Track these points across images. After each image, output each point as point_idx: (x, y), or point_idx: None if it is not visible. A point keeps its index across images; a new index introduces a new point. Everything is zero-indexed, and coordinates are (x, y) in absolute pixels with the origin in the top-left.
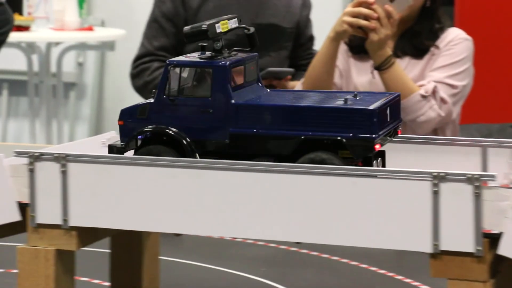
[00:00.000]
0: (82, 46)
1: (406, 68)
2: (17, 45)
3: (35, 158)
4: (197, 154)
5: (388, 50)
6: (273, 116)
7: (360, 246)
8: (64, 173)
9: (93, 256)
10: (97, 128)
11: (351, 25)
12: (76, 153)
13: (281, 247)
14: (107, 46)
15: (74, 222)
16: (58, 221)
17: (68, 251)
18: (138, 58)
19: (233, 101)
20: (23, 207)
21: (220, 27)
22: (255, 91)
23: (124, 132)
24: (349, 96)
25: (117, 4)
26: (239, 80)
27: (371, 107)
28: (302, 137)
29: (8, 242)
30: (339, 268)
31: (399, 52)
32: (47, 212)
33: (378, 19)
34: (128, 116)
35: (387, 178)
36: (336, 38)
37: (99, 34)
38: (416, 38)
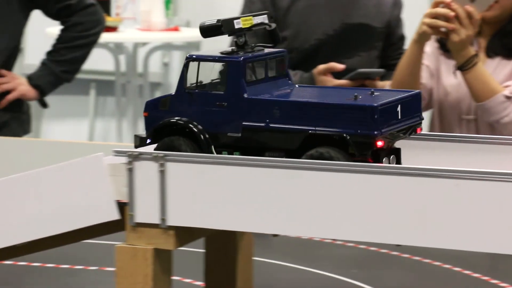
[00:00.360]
0: (167, 47)
1: (496, 68)
2: (105, 45)
3: (134, 157)
4: (212, 148)
5: (471, 50)
6: (282, 111)
7: (455, 249)
8: (162, 173)
9: (181, 255)
10: None
11: (430, 26)
12: (174, 152)
13: (371, 249)
14: (192, 46)
15: (172, 221)
16: (156, 220)
17: (165, 250)
18: None
19: (245, 95)
20: (121, 206)
21: (241, 23)
22: (278, 86)
23: (148, 123)
24: (364, 93)
25: (202, 5)
26: (261, 74)
27: (373, 104)
28: (308, 132)
29: (102, 240)
30: (431, 270)
31: (490, 52)
32: (145, 211)
33: (457, 19)
34: (152, 108)
35: (491, 180)
36: (418, 40)
37: (185, 34)
38: (507, 38)
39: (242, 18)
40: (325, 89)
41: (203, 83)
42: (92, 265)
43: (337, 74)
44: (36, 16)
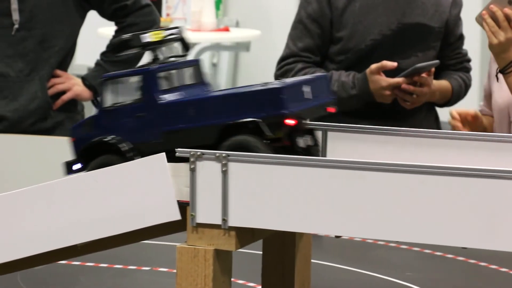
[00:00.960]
0: (217, 47)
1: None
2: None
3: (197, 157)
4: (139, 157)
5: None
6: (196, 109)
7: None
8: (225, 173)
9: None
10: None
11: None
12: (237, 152)
13: (425, 251)
14: (241, 46)
15: (233, 222)
16: (217, 221)
17: (226, 251)
18: (282, 59)
19: (160, 102)
20: (181, 207)
21: (150, 37)
22: (194, 92)
23: (77, 147)
24: (277, 81)
25: (252, 5)
26: (175, 83)
27: (278, 86)
28: (223, 124)
29: (155, 241)
30: (488, 274)
31: None
32: (207, 211)
33: (496, 21)
34: (77, 132)
35: None
36: None
37: (235, 34)
38: None
39: (152, 32)
40: (238, 88)
41: (122, 99)
42: (145, 265)
43: (391, 73)
44: (87, 17)
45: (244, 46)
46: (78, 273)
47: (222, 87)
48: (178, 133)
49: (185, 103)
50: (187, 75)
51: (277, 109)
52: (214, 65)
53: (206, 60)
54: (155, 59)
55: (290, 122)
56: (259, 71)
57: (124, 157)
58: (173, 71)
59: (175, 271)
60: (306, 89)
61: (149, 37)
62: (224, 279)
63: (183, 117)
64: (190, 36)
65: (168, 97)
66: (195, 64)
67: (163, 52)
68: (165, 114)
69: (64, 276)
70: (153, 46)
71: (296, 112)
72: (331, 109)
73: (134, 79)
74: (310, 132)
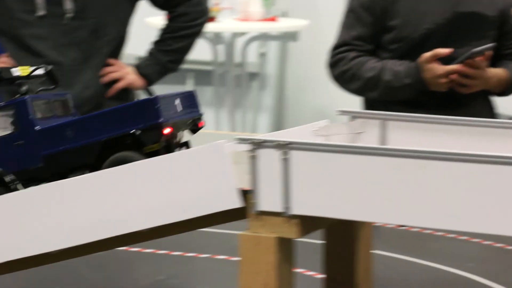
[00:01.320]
0: (264, 37)
1: None
2: (203, 35)
3: (257, 145)
4: (20, 185)
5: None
6: (73, 130)
7: None
8: (286, 161)
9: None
10: (278, 119)
11: None
12: (298, 140)
13: (485, 243)
14: (289, 36)
15: (295, 210)
16: (279, 208)
17: (288, 239)
18: (335, 47)
19: (37, 128)
20: (242, 194)
21: (18, 72)
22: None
23: None
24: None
25: None
26: (47, 113)
27: (151, 97)
28: (102, 140)
29: (213, 229)
30: None
31: None
32: (268, 199)
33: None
34: None
35: None
36: None
37: (283, 24)
38: None
39: (20, 68)
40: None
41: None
42: (204, 252)
43: (444, 62)
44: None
45: (291, 36)
46: (137, 260)
47: (271, 77)
48: (58, 155)
49: (62, 125)
50: (58, 107)
51: (154, 119)
52: (262, 55)
53: (254, 50)
54: (26, 92)
55: (167, 130)
56: (308, 61)
57: (8, 189)
58: (45, 102)
59: (233, 258)
60: (177, 102)
61: (18, 71)
62: (286, 267)
63: (62, 139)
64: (237, 26)
65: (43, 124)
66: (64, 97)
67: (34, 85)
68: (43, 139)
69: (122, 262)
70: (20, 80)
71: (171, 122)
72: (201, 123)
73: (8, 111)
74: (186, 144)
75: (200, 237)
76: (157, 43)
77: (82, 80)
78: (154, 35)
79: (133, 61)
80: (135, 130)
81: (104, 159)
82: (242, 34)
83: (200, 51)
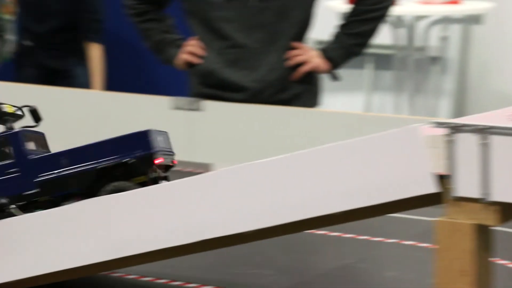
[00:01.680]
0: (446, 20)
1: None
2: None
3: (455, 129)
4: (14, 207)
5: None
6: (68, 159)
7: None
8: (485, 145)
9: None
10: (460, 104)
11: None
12: (499, 125)
13: None
14: (472, 19)
15: (495, 196)
16: (478, 194)
17: (486, 227)
18: None
19: (31, 157)
20: (439, 179)
21: (5, 108)
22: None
23: None
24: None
25: None
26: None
27: (144, 130)
28: (96, 168)
29: (400, 214)
30: None
31: None
32: (466, 185)
33: None
34: None
35: None
36: None
37: (466, 7)
38: None
39: (7, 105)
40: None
41: None
42: (391, 238)
43: None
44: None
45: (475, 19)
46: (323, 243)
47: (453, 62)
48: (52, 181)
49: (58, 154)
50: (40, 142)
51: (147, 149)
52: (444, 39)
53: (435, 34)
54: (10, 127)
55: (159, 160)
56: (493, 45)
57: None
58: (31, 137)
59: (421, 244)
60: (160, 138)
61: (5, 108)
62: (484, 255)
63: (57, 167)
64: (419, 9)
65: (36, 154)
66: (42, 135)
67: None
68: (39, 167)
69: (310, 245)
70: (7, 116)
71: (160, 152)
72: (175, 162)
73: (2, 142)
74: (165, 178)
75: (386, 222)
76: (342, 26)
77: (268, 63)
78: (335, 20)
79: (314, 45)
80: (129, 159)
81: (99, 183)
82: (424, 17)
83: (381, 35)
